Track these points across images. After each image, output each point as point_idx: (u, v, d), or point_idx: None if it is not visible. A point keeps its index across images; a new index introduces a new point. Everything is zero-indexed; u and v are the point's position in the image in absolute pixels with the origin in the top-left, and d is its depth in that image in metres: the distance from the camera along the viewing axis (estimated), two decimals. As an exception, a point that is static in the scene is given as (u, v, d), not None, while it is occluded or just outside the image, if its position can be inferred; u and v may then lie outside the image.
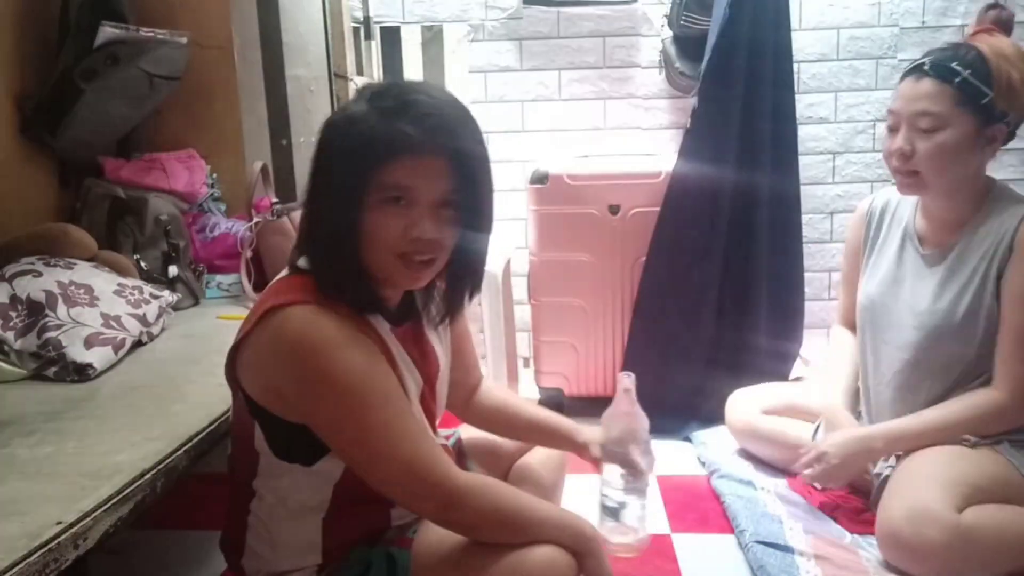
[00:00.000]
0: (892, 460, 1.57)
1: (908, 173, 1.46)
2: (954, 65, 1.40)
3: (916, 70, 1.46)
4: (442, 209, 1.01)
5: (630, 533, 1.31)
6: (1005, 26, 1.47)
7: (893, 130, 1.48)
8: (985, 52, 1.40)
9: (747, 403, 1.94)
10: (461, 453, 1.39)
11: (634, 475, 1.28)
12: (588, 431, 1.37)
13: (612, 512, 1.31)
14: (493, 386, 1.45)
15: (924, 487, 1.40)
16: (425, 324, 1.18)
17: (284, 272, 1.10)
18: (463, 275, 1.12)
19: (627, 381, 1.29)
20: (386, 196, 0.98)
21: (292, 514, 1.09)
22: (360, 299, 1.04)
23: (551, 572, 1.04)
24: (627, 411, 1.29)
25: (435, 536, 1.08)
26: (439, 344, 1.22)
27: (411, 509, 1.07)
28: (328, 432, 1.01)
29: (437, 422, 1.26)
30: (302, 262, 1.06)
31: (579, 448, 1.35)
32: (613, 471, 1.30)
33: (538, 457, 1.42)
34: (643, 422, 1.29)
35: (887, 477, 1.54)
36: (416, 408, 1.12)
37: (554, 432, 1.37)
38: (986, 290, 1.45)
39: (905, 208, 1.62)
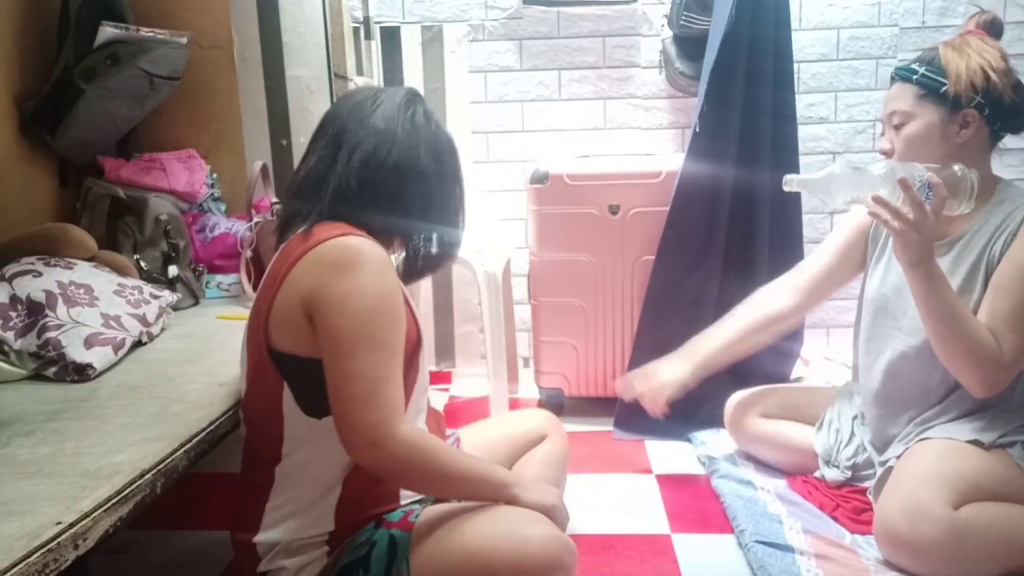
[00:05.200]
0: (900, 450, 1.58)
1: None
2: (913, 65, 1.57)
3: (891, 79, 1.62)
4: None
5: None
6: (990, 28, 1.58)
7: (882, 134, 1.64)
8: (940, 49, 1.55)
9: (746, 406, 1.94)
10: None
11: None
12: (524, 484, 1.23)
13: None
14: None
15: (922, 484, 1.42)
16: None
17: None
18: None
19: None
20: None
21: (314, 480, 1.14)
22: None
23: (550, 558, 1.09)
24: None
25: (436, 521, 1.14)
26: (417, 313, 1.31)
27: (345, 441, 1.09)
28: (333, 342, 1.07)
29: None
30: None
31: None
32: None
33: (539, 455, 1.45)
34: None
35: (891, 468, 1.54)
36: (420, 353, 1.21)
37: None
38: (989, 273, 1.48)
39: None
